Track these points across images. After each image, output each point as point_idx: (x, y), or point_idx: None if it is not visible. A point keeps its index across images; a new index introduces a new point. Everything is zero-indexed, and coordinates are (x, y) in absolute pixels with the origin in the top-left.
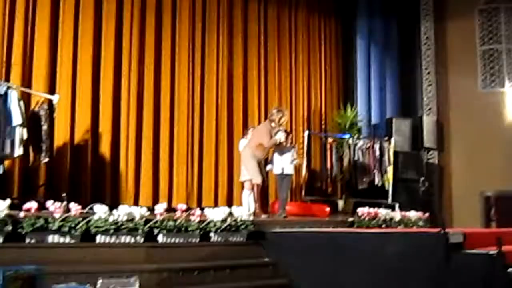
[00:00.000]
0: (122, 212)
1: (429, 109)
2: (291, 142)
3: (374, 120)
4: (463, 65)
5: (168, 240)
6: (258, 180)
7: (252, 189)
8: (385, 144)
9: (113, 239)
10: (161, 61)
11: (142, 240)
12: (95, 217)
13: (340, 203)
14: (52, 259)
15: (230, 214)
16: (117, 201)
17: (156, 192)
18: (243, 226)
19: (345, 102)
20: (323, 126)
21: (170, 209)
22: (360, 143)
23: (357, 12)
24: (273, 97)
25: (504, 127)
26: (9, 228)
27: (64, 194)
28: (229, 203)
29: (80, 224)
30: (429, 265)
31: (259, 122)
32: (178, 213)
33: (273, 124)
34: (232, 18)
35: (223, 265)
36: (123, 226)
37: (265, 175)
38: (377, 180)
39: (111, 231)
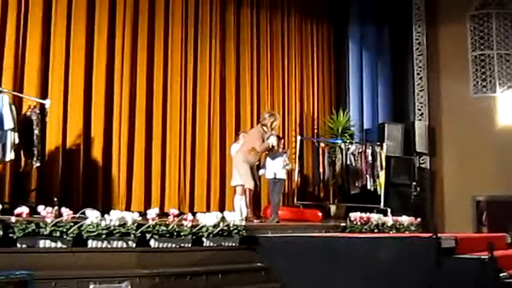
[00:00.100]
0: (114, 217)
1: (421, 114)
2: (283, 147)
3: (366, 125)
4: (455, 70)
5: (160, 245)
6: (250, 185)
7: (244, 193)
8: (377, 149)
9: (105, 244)
10: (153, 65)
11: (134, 245)
12: (87, 222)
13: (333, 208)
14: (43, 264)
15: (223, 219)
16: (109, 206)
17: (148, 197)
18: (235, 231)
19: (338, 107)
20: (316, 131)
21: (162, 214)
22: (352, 148)
23: (350, 17)
24: (265, 102)
25: (496, 132)
26: (0, 233)
27: (55, 199)
28: (221, 208)
29: (72, 229)
30: (421, 269)
31: (252, 127)
32: (170, 218)
33: (265, 128)
34: (225, 22)
35: (216, 270)
36: (115, 231)
37: (257, 180)
38: (369, 185)
39: (103, 236)
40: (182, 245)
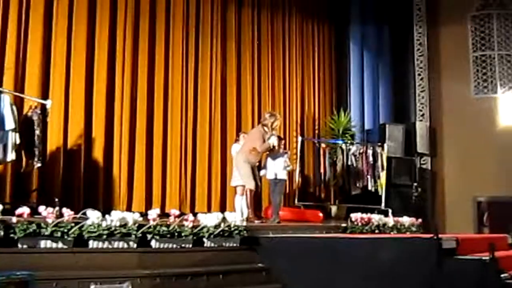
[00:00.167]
0: (115, 218)
1: (422, 114)
2: (284, 148)
3: (367, 126)
4: (456, 71)
5: (161, 245)
6: (251, 185)
7: (245, 194)
8: (378, 150)
9: (106, 245)
10: (154, 65)
11: (135, 245)
12: (88, 222)
13: (334, 209)
14: (44, 264)
15: (224, 219)
16: (110, 206)
17: (149, 197)
18: (236, 232)
19: (338, 107)
20: (316, 132)
21: (163, 215)
22: (353, 148)
23: (350, 18)
24: (266, 102)
25: (497, 133)
26: (1, 233)
27: (56, 199)
28: (222, 209)
29: (73, 230)
30: (422, 270)
31: (252, 127)
32: (171, 219)
33: (266, 129)
34: (226, 23)
35: (216, 271)
36: (116, 232)
37: (259, 180)
38: (370, 186)
39: (104, 237)
40: (183, 245)
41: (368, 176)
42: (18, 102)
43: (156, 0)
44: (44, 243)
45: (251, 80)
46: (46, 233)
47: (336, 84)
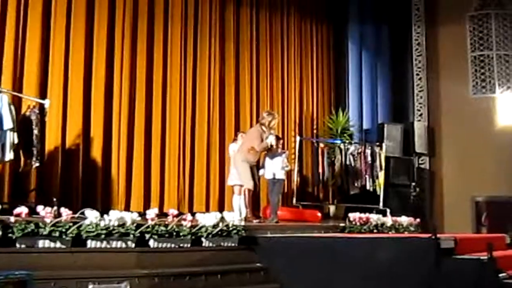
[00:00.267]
0: (113, 217)
1: (421, 114)
2: (283, 148)
3: (365, 125)
4: (454, 70)
5: (160, 245)
6: (249, 185)
7: (244, 194)
8: (377, 149)
9: (104, 244)
10: (153, 65)
11: (133, 245)
12: (86, 222)
13: (332, 208)
14: (42, 264)
15: (222, 219)
16: (108, 206)
17: (147, 197)
18: (234, 231)
19: (337, 107)
20: (315, 131)
21: (162, 214)
22: (352, 148)
23: (349, 17)
24: (264, 102)
25: (495, 133)
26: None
27: (55, 199)
28: (221, 208)
29: (71, 229)
30: (421, 270)
31: (251, 127)
32: (169, 218)
33: (263, 128)
34: (224, 22)
35: (215, 270)
36: (114, 231)
37: (257, 180)
38: (368, 185)
39: (102, 236)
40: (181, 245)
41: (367, 176)
42: (16, 102)
43: (154, 0)
44: (42, 243)
45: (249, 80)
46: (44, 233)
47: (334, 83)
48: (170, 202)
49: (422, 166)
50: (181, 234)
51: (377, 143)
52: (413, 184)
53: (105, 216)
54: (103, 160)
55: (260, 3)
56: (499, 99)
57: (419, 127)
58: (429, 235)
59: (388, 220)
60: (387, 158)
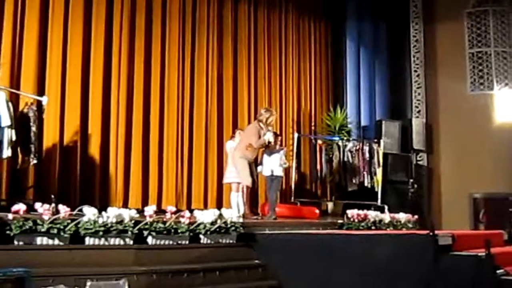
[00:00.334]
0: (111, 214)
1: (418, 111)
2: (281, 145)
3: (363, 122)
4: (452, 67)
5: (158, 242)
6: (248, 182)
7: (242, 190)
8: (375, 146)
9: (102, 241)
10: (151, 62)
11: (131, 242)
12: (84, 219)
13: (330, 205)
14: (40, 261)
15: (220, 216)
16: (106, 203)
17: (145, 194)
18: (232, 228)
19: (335, 104)
20: (313, 128)
21: (160, 211)
22: (350, 145)
23: (347, 14)
24: (263, 99)
25: (493, 130)
26: None
27: (53, 196)
28: (219, 205)
29: (69, 226)
30: (418, 266)
31: (249, 124)
32: (167, 215)
33: (261, 124)
34: (222, 19)
35: (213, 267)
36: (113, 228)
37: (256, 177)
38: (366, 182)
39: (100, 233)
40: (179, 242)
41: (365, 173)
42: (14, 99)
43: None
44: (40, 240)
45: (247, 77)
46: (42, 230)
47: (332, 80)
48: (168, 199)
49: (420, 162)
50: (179, 231)
51: (375, 140)
52: (411, 181)
53: (103, 213)
54: (101, 157)
55: (258, 0)
56: (497, 96)
57: (417, 124)
58: (427, 231)
59: (386, 216)
60: (385, 155)
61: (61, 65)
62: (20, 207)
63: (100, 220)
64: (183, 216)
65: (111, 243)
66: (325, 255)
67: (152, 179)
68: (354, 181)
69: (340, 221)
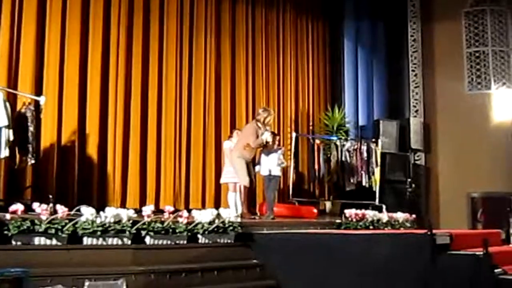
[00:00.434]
0: (109, 214)
1: (416, 111)
2: (279, 144)
3: (361, 122)
4: (450, 67)
5: (156, 242)
6: (246, 181)
7: (239, 190)
8: (372, 146)
9: (100, 241)
10: (148, 61)
11: (129, 242)
12: (82, 219)
13: (328, 205)
14: (38, 261)
15: (218, 215)
16: (104, 203)
17: (143, 193)
18: (230, 228)
19: (333, 103)
20: (311, 128)
21: (158, 211)
22: (348, 144)
23: (345, 14)
24: (260, 99)
25: (491, 129)
26: None
27: (50, 196)
28: (217, 205)
29: (67, 226)
30: (416, 266)
31: (247, 124)
32: (165, 215)
33: (259, 124)
34: (220, 19)
35: (211, 267)
36: (110, 228)
37: (253, 177)
38: (364, 182)
39: (98, 233)
40: (177, 242)
41: (362, 172)
42: (12, 99)
43: None
44: (38, 240)
45: (245, 76)
46: (40, 230)
47: (330, 80)
48: (166, 199)
49: (418, 162)
50: (177, 231)
51: (373, 140)
52: (409, 180)
53: (101, 213)
54: (99, 157)
55: None
56: (494, 95)
57: (415, 123)
58: (425, 231)
59: (384, 216)
60: (383, 155)
61: (59, 64)
62: (18, 207)
63: (98, 220)
64: (181, 216)
65: (109, 243)
66: (323, 254)
67: (150, 178)
68: (352, 180)
69: (338, 220)
